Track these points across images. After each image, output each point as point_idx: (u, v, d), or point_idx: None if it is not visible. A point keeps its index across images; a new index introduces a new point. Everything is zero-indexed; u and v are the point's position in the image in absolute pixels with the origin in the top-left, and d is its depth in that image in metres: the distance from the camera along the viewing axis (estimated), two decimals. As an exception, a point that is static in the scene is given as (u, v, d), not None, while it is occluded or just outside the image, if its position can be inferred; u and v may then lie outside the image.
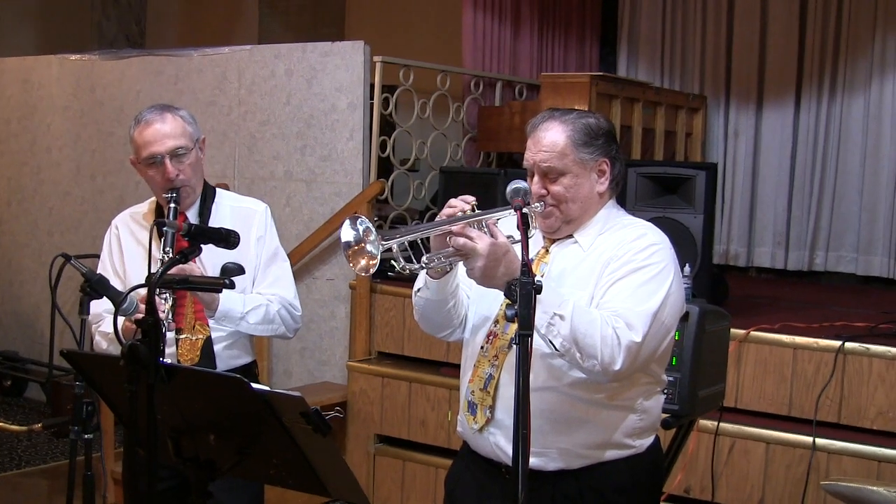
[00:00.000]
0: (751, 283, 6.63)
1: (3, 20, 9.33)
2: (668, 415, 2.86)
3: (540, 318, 2.18)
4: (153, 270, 2.33)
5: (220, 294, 2.88)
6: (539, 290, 2.11)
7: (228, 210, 3.13)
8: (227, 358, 3.05)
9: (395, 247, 2.25)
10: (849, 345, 4.10)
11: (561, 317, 2.24)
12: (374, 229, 2.18)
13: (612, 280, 2.37)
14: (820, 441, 4.02)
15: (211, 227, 2.68)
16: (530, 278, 2.10)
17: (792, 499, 4.07)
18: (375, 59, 5.63)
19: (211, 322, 2.99)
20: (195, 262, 2.83)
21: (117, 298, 2.66)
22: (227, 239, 2.51)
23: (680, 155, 6.61)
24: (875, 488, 2.73)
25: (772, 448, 4.13)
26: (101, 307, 2.96)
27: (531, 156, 2.48)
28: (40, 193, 7.37)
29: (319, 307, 5.77)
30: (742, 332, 4.27)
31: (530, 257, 2.25)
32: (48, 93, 7.29)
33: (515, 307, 2.10)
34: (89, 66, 7.01)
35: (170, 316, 2.84)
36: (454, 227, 2.25)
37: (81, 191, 7.08)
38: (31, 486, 5.54)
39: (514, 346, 2.08)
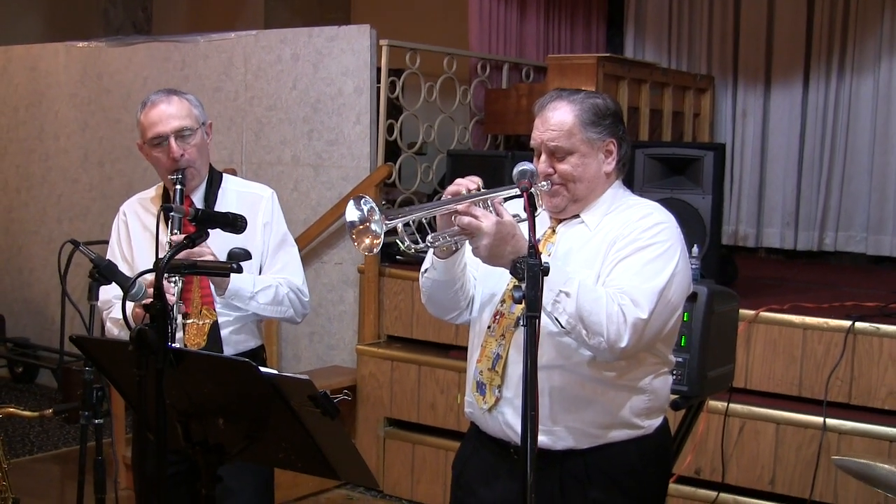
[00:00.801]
0: (760, 263, 6.62)
1: (9, 8, 9.34)
2: (676, 396, 2.86)
3: (546, 296, 2.17)
4: (160, 256, 2.33)
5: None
6: (546, 272, 2.11)
7: (234, 195, 3.12)
8: (235, 342, 3.05)
9: (400, 226, 2.25)
10: (859, 325, 4.08)
11: (567, 294, 2.24)
12: (378, 209, 2.17)
13: (618, 258, 2.36)
14: (830, 422, 4.02)
15: (218, 212, 2.68)
16: (537, 260, 2.10)
17: (803, 480, 4.07)
18: (382, 42, 5.62)
19: (217, 307, 3.00)
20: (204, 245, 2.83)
21: (126, 284, 2.66)
22: (235, 223, 2.50)
23: (688, 136, 6.59)
24: (886, 466, 2.72)
25: (782, 429, 4.13)
26: (110, 293, 2.98)
27: (539, 135, 2.47)
28: (49, 181, 7.39)
29: (328, 291, 5.77)
30: (751, 312, 4.26)
31: (537, 237, 2.24)
32: (55, 80, 7.30)
33: (523, 288, 2.09)
34: (96, 53, 7.02)
35: (179, 300, 2.84)
36: (459, 206, 2.24)
37: (89, 178, 7.10)
38: (43, 471, 5.58)
39: (522, 327, 2.08)
